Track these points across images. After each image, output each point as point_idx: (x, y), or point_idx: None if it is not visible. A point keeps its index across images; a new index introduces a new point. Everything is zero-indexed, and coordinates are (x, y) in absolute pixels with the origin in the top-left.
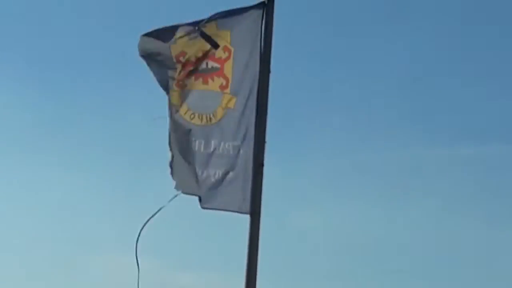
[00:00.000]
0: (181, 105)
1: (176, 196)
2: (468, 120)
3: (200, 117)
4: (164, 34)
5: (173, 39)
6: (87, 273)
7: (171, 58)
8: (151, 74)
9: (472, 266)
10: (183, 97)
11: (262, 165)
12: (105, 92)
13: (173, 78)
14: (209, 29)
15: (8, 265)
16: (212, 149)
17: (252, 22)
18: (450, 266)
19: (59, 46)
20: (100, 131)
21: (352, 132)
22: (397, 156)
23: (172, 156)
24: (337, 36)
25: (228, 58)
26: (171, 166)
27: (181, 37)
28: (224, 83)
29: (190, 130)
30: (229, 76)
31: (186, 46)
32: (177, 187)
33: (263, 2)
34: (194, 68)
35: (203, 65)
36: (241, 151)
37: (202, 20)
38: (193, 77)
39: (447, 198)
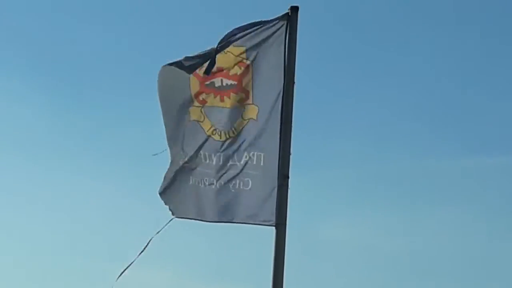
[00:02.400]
0: (203, 121)
1: (170, 221)
2: (491, 129)
3: (220, 134)
4: (186, 64)
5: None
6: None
7: (188, 80)
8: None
9: (501, 277)
10: (205, 113)
11: (288, 177)
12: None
13: (194, 96)
14: (233, 50)
15: (37, 268)
16: (230, 162)
17: (276, 33)
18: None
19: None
20: (129, 141)
21: (376, 142)
22: (426, 165)
23: (168, 182)
24: (361, 47)
25: (246, 72)
26: (164, 192)
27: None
28: (244, 96)
29: (210, 142)
30: (249, 88)
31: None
32: (173, 213)
33: (287, 13)
34: (211, 83)
35: (219, 83)
36: (263, 161)
37: (228, 38)
38: (212, 94)
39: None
